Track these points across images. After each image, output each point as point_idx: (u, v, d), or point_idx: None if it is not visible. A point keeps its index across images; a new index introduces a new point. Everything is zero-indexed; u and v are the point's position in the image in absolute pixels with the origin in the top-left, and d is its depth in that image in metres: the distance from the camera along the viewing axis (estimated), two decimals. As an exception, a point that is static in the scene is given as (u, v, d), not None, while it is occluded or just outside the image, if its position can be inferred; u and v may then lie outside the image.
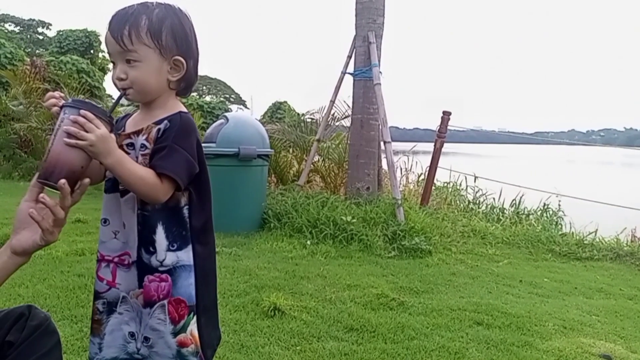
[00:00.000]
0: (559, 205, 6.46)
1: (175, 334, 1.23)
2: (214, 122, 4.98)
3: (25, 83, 9.81)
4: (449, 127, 5.71)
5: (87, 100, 1.16)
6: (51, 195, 1.06)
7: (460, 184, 7.45)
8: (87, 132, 1.06)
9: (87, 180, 1.12)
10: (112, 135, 1.12)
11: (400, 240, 4.18)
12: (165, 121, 1.22)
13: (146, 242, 1.23)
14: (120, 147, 1.22)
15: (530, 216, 6.35)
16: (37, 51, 22.40)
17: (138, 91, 1.23)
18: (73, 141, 1.06)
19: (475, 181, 7.25)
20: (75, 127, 1.05)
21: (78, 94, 9.22)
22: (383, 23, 5.25)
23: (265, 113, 15.31)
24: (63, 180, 1.04)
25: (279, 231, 4.42)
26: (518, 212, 6.52)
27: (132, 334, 1.26)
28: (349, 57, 5.40)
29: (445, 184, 7.25)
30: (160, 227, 1.23)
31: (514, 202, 6.81)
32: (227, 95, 44.38)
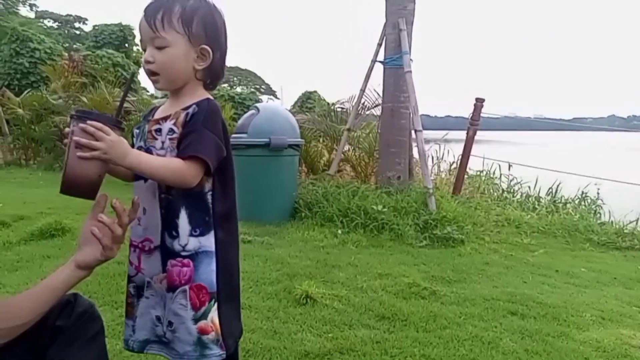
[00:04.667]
0: (598, 193, 6.25)
1: (196, 320, 1.25)
2: (245, 112, 5.03)
3: (64, 77, 10.15)
4: (482, 115, 5.59)
5: (91, 109, 1.19)
6: (109, 215, 1.12)
7: (494, 173, 7.30)
8: (98, 140, 1.08)
9: (136, 197, 1.19)
10: (122, 138, 1.14)
11: (432, 229, 4.14)
12: (194, 106, 1.25)
13: (169, 226, 1.26)
14: (149, 132, 1.27)
15: (568, 205, 6.17)
16: (75, 46, 23.07)
17: (165, 77, 1.26)
18: (87, 154, 1.07)
19: (509, 169, 7.09)
20: (87, 138, 1.07)
21: (114, 87, 9.46)
22: (414, 9, 5.17)
23: (296, 103, 15.34)
24: (116, 201, 1.10)
25: (310, 220, 4.45)
26: (555, 201, 6.34)
27: (158, 318, 1.30)
28: (379, 45, 5.35)
29: (479, 173, 7.11)
30: (184, 212, 1.25)
31: (551, 190, 6.62)
32: (258, 86, 44.69)
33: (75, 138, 1.07)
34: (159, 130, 1.27)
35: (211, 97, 1.31)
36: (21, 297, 1.17)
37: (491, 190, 6.67)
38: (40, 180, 7.11)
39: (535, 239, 4.42)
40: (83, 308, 1.19)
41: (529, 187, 6.79)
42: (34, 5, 30.51)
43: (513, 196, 6.63)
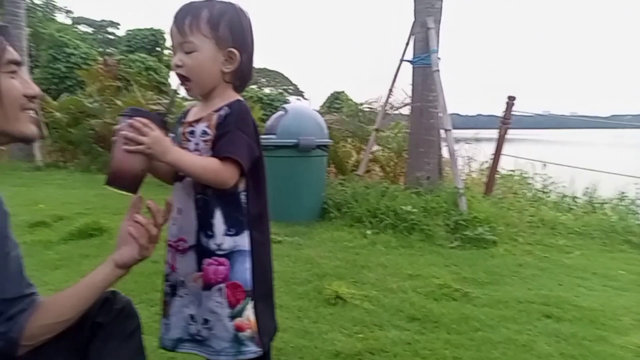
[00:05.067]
0: (638, 193, 6.03)
1: (232, 317, 1.28)
2: (274, 113, 5.07)
3: (99, 81, 10.45)
4: (514, 113, 5.48)
5: (139, 108, 1.26)
6: (145, 215, 1.16)
7: (528, 172, 7.14)
8: (143, 135, 1.14)
9: (170, 198, 1.22)
10: (167, 136, 1.20)
11: (463, 230, 4.09)
12: (225, 107, 1.28)
13: (205, 225, 1.29)
14: (183, 135, 1.31)
15: (605, 205, 5.97)
16: (108, 50, 23.74)
17: (195, 81, 1.29)
18: (132, 147, 1.14)
19: (544, 168, 6.92)
20: (133, 133, 1.14)
21: (146, 91, 9.69)
22: (441, 7, 5.11)
23: (324, 103, 15.38)
24: (150, 202, 1.14)
25: (339, 221, 4.45)
26: (591, 201, 6.15)
27: (192, 316, 1.33)
28: (407, 44, 5.31)
29: (511, 172, 6.96)
30: (219, 212, 1.28)
31: (587, 190, 6.43)
32: (286, 87, 44.97)
33: (122, 132, 1.15)
34: (192, 133, 1.31)
35: (241, 99, 1.34)
36: (63, 294, 1.21)
37: (524, 190, 6.51)
38: (78, 182, 7.35)
39: (571, 240, 4.30)
40: (121, 305, 1.23)
41: (564, 186, 6.61)
42: (70, 11, 31.61)
43: (548, 196, 6.45)
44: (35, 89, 1.02)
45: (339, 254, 3.56)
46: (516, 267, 3.44)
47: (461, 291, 2.81)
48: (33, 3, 23.68)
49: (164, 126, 1.20)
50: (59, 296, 1.22)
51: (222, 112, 1.28)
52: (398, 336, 2.21)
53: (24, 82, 1.01)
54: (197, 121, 1.31)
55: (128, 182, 1.16)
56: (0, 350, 1.12)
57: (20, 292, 1.16)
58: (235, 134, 1.25)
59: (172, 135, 1.38)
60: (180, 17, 1.27)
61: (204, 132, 1.28)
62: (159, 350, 1.89)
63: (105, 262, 1.20)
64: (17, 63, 1.00)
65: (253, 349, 1.30)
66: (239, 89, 1.37)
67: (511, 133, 5.69)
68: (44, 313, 1.15)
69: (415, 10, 5.15)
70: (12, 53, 0.99)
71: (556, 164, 6.65)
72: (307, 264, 3.27)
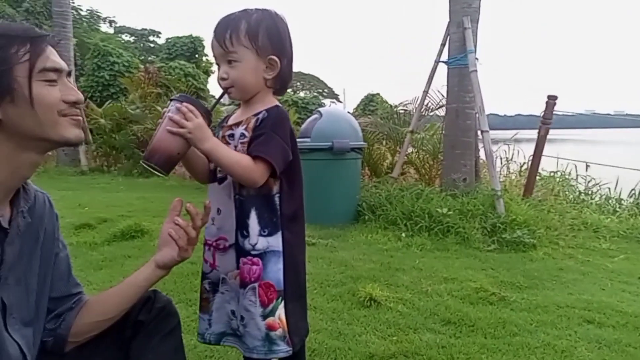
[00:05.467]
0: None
1: (264, 316, 1.31)
2: (308, 117, 5.12)
3: (141, 88, 10.81)
4: (555, 112, 5.32)
5: (190, 96, 1.34)
6: (185, 218, 1.21)
7: (570, 173, 6.91)
8: (187, 120, 1.21)
9: (209, 202, 1.27)
10: (209, 127, 1.26)
11: (501, 233, 4.00)
12: (264, 111, 1.33)
13: (241, 225, 1.34)
14: (223, 138, 1.36)
15: (653, 207, 5.72)
16: (149, 58, 24.50)
17: (238, 89, 1.35)
18: (175, 129, 1.21)
19: (587, 170, 6.69)
20: (179, 116, 1.21)
21: (185, 97, 9.94)
22: (479, 6, 5.02)
23: (358, 106, 15.37)
24: (190, 205, 1.20)
25: (373, 223, 4.44)
26: (638, 203, 5.90)
27: (232, 312, 1.38)
28: (443, 45, 5.25)
29: (552, 174, 6.75)
30: (253, 213, 1.33)
31: (633, 192, 6.17)
32: (320, 90, 45.13)
33: (169, 114, 1.23)
34: (231, 136, 1.36)
35: (280, 105, 1.39)
36: (108, 293, 1.28)
37: (566, 192, 6.30)
38: (121, 185, 7.62)
39: (615, 243, 4.15)
40: (162, 304, 1.28)
41: (609, 188, 6.36)
42: (113, 21, 32.79)
43: (591, 198, 6.23)
44: (75, 95, 1.05)
45: (373, 256, 3.56)
46: (556, 271, 3.35)
47: (498, 295, 2.76)
48: (79, 14, 24.74)
49: (209, 118, 1.27)
50: (103, 295, 1.29)
51: (260, 116, 1.33)
52: (433, 339, 2.19)
53: (65, 89, 1.04)
54: (237, 124, 1.36)
55: (163, 161, 1.23)
56: (50, 346, 1.19)
57: (68, 291, 1.23)
58: (269, 135, 1.30)
59: (222, 125, 1.45)
60: (220, 31, 1.32)
61: (243, 135, 1.34)
62: (197, 348, 1.96)
63: (147, 263, 1.26)
64: (56, 70, 1.03)
65: (284, 348, 1.33)
66: (279, 92, 1.43)
67: (553, 133, 5.53)
68: (90, 311, 1.22)
69: (450, 11, 5.09)
70: (49, 61, 1.02)
71: (600, 165, 6.41)
72: (341, 266, 3.28)
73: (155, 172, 1.25)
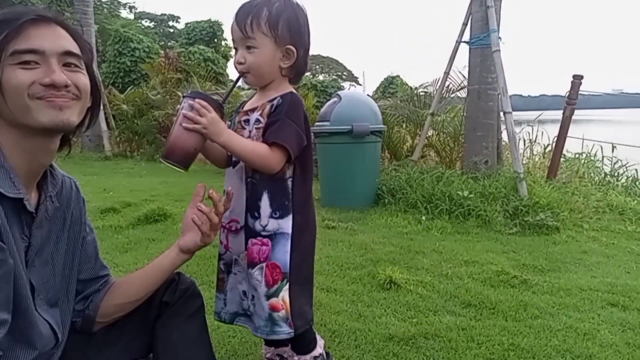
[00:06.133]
0: None
1: (268, 296, 1.35)
2: (328, 100, 5.10)
3: (161, 74, 10.91)
4: (581, 92, 5.19)
5: (201, 91, 1.37)
6: (207, 204, 1.24)
7: (595, 155, 6.75)
8: (201, 116, 1.23)
9: (230, 188, 1.31)
10: (222, 120, 1.28)
11: (523, 216, 3.96)
12: (278, 98, 1.36)
13: (252, 207, 1.37)
14: (239, 123, 1.40)
15: (682, 189, 5.56)
16: (169, 44, 24.61)
17: (254, 75, 1.37)
18: (190, 126, 1.24)
19: (613, 151, 6.52)
20: (192, 113, 1.23)
21: (205, 81, 10.01)
22: (503, -16, 4.90)
23: (378, 88, 15.20)
24: (213, 191, 1.22)
25: (393, 206, 4.44)
26: (666, 185, 5.74)
27: (244, 292, 1.43)
28: (465, 24, 5.14)
29: (577, 155, 6.61)
30: (266, 195, 1.36)
31: (662, 173, 6.00)
32: (340, 73, 44.76)
33: (183, 112, 1.25)
34: (247, 121, 1.39)
35: (294, 91, 1.41)
36: (134, 276, 1.32)
37: (592, 174, 6.17)
38: (144, 170, 7.76)
39: (641, 226, 4.06)
40: (186, 285, 1.32)
41: (637, 170, 6.20)
42: (133, 7, 32.98)
43: (617, 180, 6.09)
44: (51, 77, 0.95)
45: (393, 239, 3.56)
46: (580, 254, 3.30)
47: (520, 278, 2.74)
48: (99, 1, 24.92)
49: (221, 111, 1.29)
50: (129, 278, 1.32)
51: (274, 102, 1.36)
52: (453, 322, 2.20)
53: (47, 71, 0.96)
54: (253, 110, 1.40)
55: (181, 157, 1.26)
56: (78, 326, 1.23)
57: (96, 274, 1.27)
58: (284, 122, 1.32)
59: (228, 123, 1.47)
60: (242, 16, 1.34)
61: (258, 121, 1.37)
62: (219, 329, 2.00)
63: (171, 247, 1.29)
64: (33, 52, 0.95)
65: (286, 329, 1.36)
66: (294, 80, 1.45)
67: (578, 114, 5.39)
68: (116, 293, 1.26)
69: (472, -11, 4.97)
70: (24, 42, 0.95)
71: (627, 146, 6.24)
72: (361, 249, 3.30)
73: (175, 168, 1.28)
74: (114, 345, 1.27)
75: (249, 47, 1.34)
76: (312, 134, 1.44)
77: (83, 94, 1.03)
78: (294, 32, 1.36)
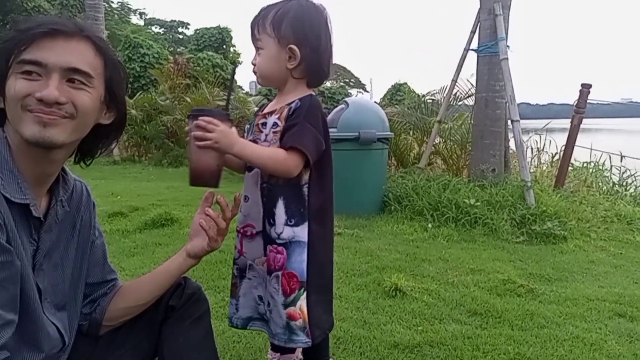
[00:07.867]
0: None
1: (285, 305, 1.33)
2: (335, 107, 5.11)
3: (170, 80, 10.98)
4: (589, 101, 5.17)
5: (204, 107, 1.36)
6: (215, 209, 1.24)
7: (604, 164, 6.71)
8: (209, 132, 1.21)
9: (239, 193, 1.29)
10: (233, 129, 1.26)
11: (530, 224, 3.94)
12: (296, 101, 1.34)
13: (268, 213, 1.36)
14: (256, 126, 1.39)
15: (692, 200, 5.51)
16: (178, 49, 24.80)
17: (261, 76, 1.38)
18: (202, 143, 1.21)
19: (621, 160, 6.48)
20: (200, 131, 1.22)
21: (213, 87, 10.06)
22: (511, -8, 4.91)
23: (385, 95, 15.22)
24: (221, 197, 1.23)
25: (399, 214, 4.43)
26: (676, 195, 5.69)
27: (260, 297, 1.41)
28: (473, 32, 5.15)
29: (585, 164, 6.58)
30: (281, 202, 1.34)
31: (671, 183, 5.95)
32: (347, 80, 44.80)
33: (192, 134, 1.24)
34: (264, 124, 1.38)
35: (313, 94, 1.39)
36: (141, 280, 1.33)
37: (600, 184, 6.13)
38: (151, 175, 7.80)
39: (650, 236, 4.02)
40: (192, 290, 1.32)
41: (645, 179, 6.15)
42: (143, 13, 33.31)
43: (625, 190, 6.05)
44: (43, 94, 0.93)
45: (399, 246, 3.56)
46: (587, 264, 3.28)
47: (526, 287, 2.72)
48: (110, 6, 25.21)
49: (228, 119, 1.27)
50: (136, 282, 1.33)
51: (292, 105, 1.34)
52: (458, 330, 2.19)
53: (44, 85, 0.94)
54: (270, 113, 1.38)
55: (207, 178, 1.26)
56: (85, 329, 1.24)
57: (104, 278, 1.28)
58: (302, 125, 1.30)
59: (247, 126, 1.47)
60: (254, 18, 1.36)
61: (275, 124, 1.35)
62: (225, 334, 2.01)
63: (178, 252, 1.30)
64: (36, 63, 0.94)
65: (303, 338, 1.35)
66: (312, 84, 1.42)
67: (587, 123, 5.37)
68: (123, 297, 1.27)
69: (480, -3, 4.99)
70: (32, 53, 0.94)
71: (635, 158, 6.20)
72: (366, 256, 3.29)
73: (206, 188, 1.29)
74: (120, 348, 1.28)
75: (258, 49, 1.36)
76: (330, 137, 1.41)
77: (80, 113, 0.99)
78: (297, 31, 1.33)
